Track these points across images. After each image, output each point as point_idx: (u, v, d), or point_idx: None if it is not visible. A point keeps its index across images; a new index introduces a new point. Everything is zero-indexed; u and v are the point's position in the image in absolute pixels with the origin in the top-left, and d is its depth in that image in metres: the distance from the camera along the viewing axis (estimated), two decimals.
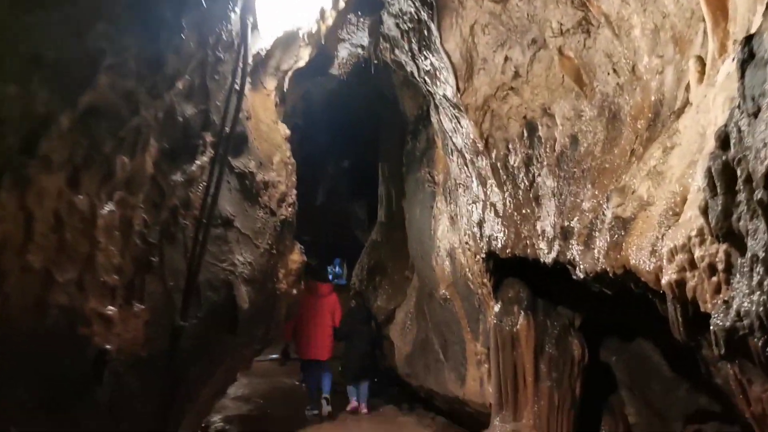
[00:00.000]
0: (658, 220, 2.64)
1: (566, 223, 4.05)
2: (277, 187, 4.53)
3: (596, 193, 3.70)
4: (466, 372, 6.67)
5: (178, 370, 3.59)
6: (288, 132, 4.78)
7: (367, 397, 8.54)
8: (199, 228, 3.41)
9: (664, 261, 2.43)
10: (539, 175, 4.58)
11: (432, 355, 7.70)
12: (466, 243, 5.96)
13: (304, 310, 7.56)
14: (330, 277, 31.71)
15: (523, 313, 5.60)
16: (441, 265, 6.82)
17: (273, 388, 10.81)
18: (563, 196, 4.27)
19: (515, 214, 4.90)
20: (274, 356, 11.74)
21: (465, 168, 5.66)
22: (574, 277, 4.12)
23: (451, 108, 5.21)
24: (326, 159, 13.47)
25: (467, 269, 6.15)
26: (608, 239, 3.14)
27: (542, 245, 4.59)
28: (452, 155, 5.94)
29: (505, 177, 4.95)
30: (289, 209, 4.79)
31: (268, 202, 4.32)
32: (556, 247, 4.33)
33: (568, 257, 3.95)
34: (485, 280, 5.80)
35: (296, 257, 5.14)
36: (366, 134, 12.98)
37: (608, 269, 3.13)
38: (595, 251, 3.35)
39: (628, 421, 5.84)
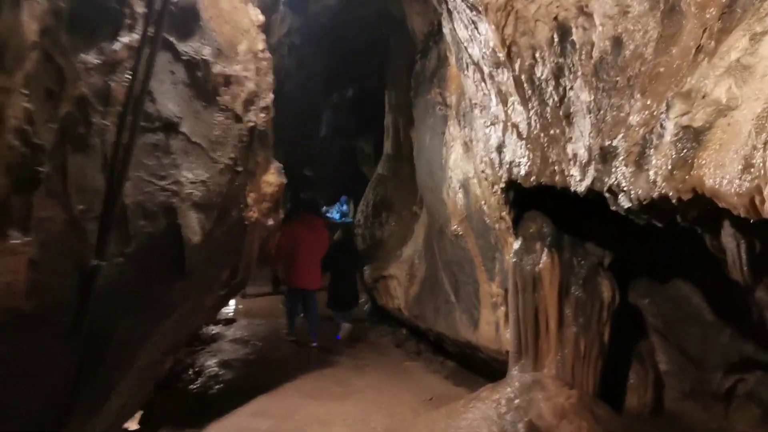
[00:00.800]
0: (751, 126, 1.99)
1: (607, 143, 3.40)
2: (244, 84, 3.70)
3: (648, 103, 3.04)
4: (480, 315, 6.15)
5: (96, 329, 2.70)
6: (261, 18, 3.95)
7: (350, 321, 9.39)
8: (124, 131, 2.57)
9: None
10: (571, 88, 3.90)
11: (442, 296, 7.18)
12: (483, 172, 5.33)
13: (295, 241, 8.38)
14: (338, 215, 31.74)
15: (546, 250, 5.03)
16: (453, 198, 6.20)
17: (273, 329, 10.41)
18: (602, 112, 3.61)
19: (541, 135, 4.25)
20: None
21: (482, 84, 4.97)
22: (614, 207, 3.51)
23: (467, 10, 4.48)
24: (329, 88, 12.70)
25: (483, 202, 5.54)
26: (671, 157, 2.50)
27: (574, 171, 3.96)
28: (467, 70, 5.24)
29: (530, 92, 4.27)
30: (262, 115, 4.03)
31: (230, 103, 3.50)
32: (591, 173, 3.71)
33: (610, 183, 3.33)
34: (504, 214, 5.20)
35: (272, 178, 4.42)
36: (372, 60, 12.17)
37: (671, 194, 2.50)
38: (651, 173, 2.72)
39: (658, 368, 5.34)
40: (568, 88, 3.94)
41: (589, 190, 3.79)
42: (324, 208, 25.43)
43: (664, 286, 5.20)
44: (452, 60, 5.90)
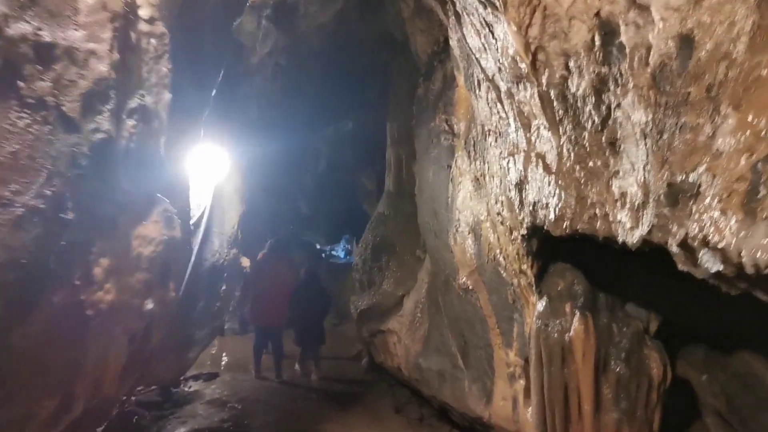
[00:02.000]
0: None
1: (678, 178, 2.47)
2: (87, 65, 2.38)
3: (750, 119, 2.11)
4: (494, 387, 5.16)
5: None
6: None
7: (319, 363, 9.85)
8: None
9: None
10: (618, 105, 2.99)
11: (448, 360, 6.19)
12: (498, 214, 4.40)
13: (260, 280, 9.48)
14: (343, 253, 30.96)
15: (578, 313, 4.07)
16: (461, 244, 5.26)
17: (258, 387, 9.40)
18: (665, 136, 2.69)
19: (576, 168, 3.33)
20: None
21: (498, 106, 4.07)
22: (685, 268, 2.57)
23: (480, 9, 3.60)
24: (326, 119, 11.88)
25: (498, 251, 4.60)
26: None
27: (622, 216, 3.04)
28: (479, 89, 4.35)
29: (561, 112, 3.36)
30: (131, 123, 2.71)
31: (50, 94, 2.19)
32: (649, 218, 2.79)
33: (684, 234, 2.39)
34: (524, 267, 4.25)
35: (153, 231, 3.08)
36: (371, 88, 11.36)
37: None
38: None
39: None
40: (613, 105, 3.04)
41: (645, 241, 2.86)
42: (328, 246, 24.73)
43: (728, 359, 4.22)
44: (460, 79, 5.02)
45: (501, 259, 4.58)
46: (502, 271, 4.63)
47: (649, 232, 2.80)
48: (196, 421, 7.52)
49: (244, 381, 9.78)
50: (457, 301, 5.76)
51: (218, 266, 7.80)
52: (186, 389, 9.44)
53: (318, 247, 22.09)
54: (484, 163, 4.63)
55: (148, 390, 8.57)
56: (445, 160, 5.62)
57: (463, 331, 5.74)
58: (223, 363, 11.48)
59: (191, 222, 6.32)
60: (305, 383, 9.62)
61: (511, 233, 4.23)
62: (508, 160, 4.06)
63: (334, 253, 30.40)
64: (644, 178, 2.85)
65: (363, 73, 10.52)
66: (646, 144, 2.84)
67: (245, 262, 9.32)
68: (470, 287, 5.28)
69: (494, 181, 4.39)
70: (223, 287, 8.16)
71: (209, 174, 7.21)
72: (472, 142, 4.89)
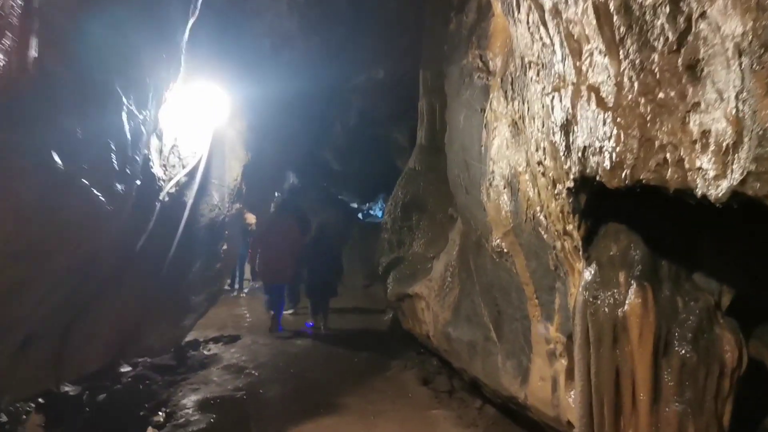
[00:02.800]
0: None
1: None
2: None
3: None
4: (531, 365, 4.55)
5: None
6: None
7: (327, 315, 10.48)
8: None
9: None
10: (703, 14, 2.27)
11: (480, 331, 5.58)
12: (539, 164, 3.72)
13: (270, 237, 9.91)
14: (381, 213, 30.45)
15: (635, 284, 3.40)
16: (495, 200, 4.60)
17: (278, 351, 8.97)
18: None
19: (641, 102, 2.63)
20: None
21: (541, 30, 3.35)
22: None
23: None
24: (355, 66, 11.14)
25: (538, 208, 3.93)
26: None
27: (703, 161, 2.34)
28: (518, 11, 3.63)
29: (623, 30, 2.65)
30: None
31: None
32: (742, 164, 2.11)
33: None
34: (569, 227, 3.58)
35: None
36: (404, 34, 10.57)
37: None
38: None
39: None
40: (695, 15, 2.32)
41: (735, 194, 2.18)
42: (366, 205, 24.24)
43: None
44: (497, 6, 4.29)
45: (542, 217, 3.91)
46: (542, 232, 3.96)
47: (742, 182, 2.12)
48: (208, 389, 7.11)
49: (264, 345, 9.38)
50: (490, 265, 5.12)
51: (218, 223, 7.16)
52: (204, 352, 9.09)
53: (355, 206, 21.55)
54: (523, 103, 3.92)
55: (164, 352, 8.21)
56: (478, 102, 4.92)
57: (497, 299, 5.11)
58: (245, 324, 11.12)
59: (184, 171, 5.74)
60: (327, 349, 9.27)
61: (554, 186, 3.55)
62: (553, 97, 3.35)
63: (371, 212, 29.93)
64: (737, 110, 2.15)
65: (394, 16, 9.73)
66: (741, 64, 2.13)
67: (250, 218, 8.65)
68: (505, 250, 4.62)
69: (535, 124, 3.69)
70: (224, 246, 7.51)
71: (206, 116, 6.47)
72: (510, 79, 4.18)
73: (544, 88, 3.50)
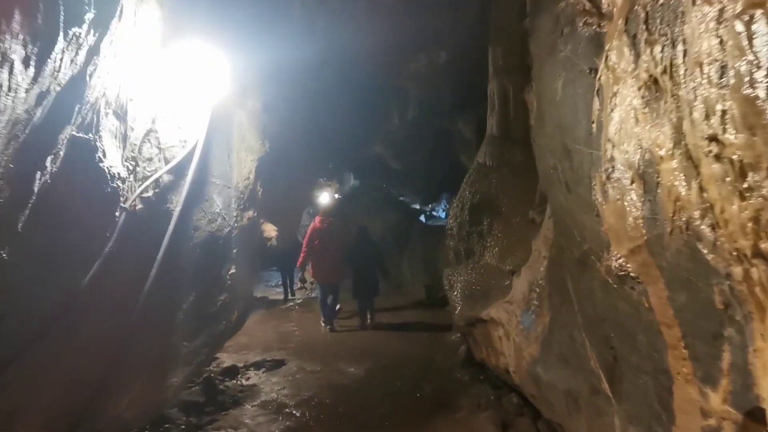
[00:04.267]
0: None
1: None
2: None
3: None
4: None
5: None
6: None
7: (373, 311, 11.20)
8: None
9: None
10: None
11: (583, 378, 4.18)
12: (711, 139, 2.30)
13: (319, 243, 10.70)
14: (444, 214, 29.52)
15: None
16: (617, 201, 3.19)
17: (327, 384, 7.74)
18: None
19: None
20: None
21: None
22: None
23: None
24: (412, 47, 9.82)
25: (698, 212, 2.52)
26: None
27: None
28: None
29: None
30: None
31: None
32: None
33: None
34: (764, 244, 2.15)
35: None
36: (469, 8, 9.20)
37: None
38: None
39: None
40: None
41: None
42: (428, 206, 23.06)
43: None
44: None
45: (705, 228, 2.49)
46: (704, 251, 2.54)
47: None
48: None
49: (311, 373, 8.18)
50: (601, 292, 3.70)
51: (221, 237, 5.40)
52: (243, 381, 7.96)
53: (417, 207, 20.27)
54: (672, 47, 2.51)
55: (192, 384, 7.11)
56: (585, 59, 3.52)
57: (612, 340, 3.70)
58: (293, 343, 9.97)
59: (168, 167, 4.37)
60: (384, 378, 7.96)
61: (743, 176, 2.14)
62: (750, 18, 1.95)
63: (434, 213, 28.55)
64: None
65: None
66: None
67: (269, 229, 6.82)
68: (631, 273, 3.21)
69: (702, 76, 2.28)
70: (232, 270, 5.70)
71: (201, 91, 4.83)
72: (642, 15, 2.77)
73: (723, 11, 2.10)
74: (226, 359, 8.64)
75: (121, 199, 3.86)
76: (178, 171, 4.47)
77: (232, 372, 8.15)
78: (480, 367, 7.60)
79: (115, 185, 3.77)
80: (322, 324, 11.06)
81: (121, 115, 3.74)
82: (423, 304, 13.20)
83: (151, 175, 4.14)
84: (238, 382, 7.87)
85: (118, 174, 3.72)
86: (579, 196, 3.75)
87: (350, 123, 12.33)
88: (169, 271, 4.40)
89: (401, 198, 18.88)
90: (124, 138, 3.71)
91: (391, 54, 10.02)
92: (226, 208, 5.40)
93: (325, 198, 14.86)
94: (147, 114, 4.09)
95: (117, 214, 3.87)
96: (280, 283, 14.80)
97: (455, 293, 7.58)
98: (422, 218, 21.11)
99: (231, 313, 5.96)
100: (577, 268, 4.11)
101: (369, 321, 11.05)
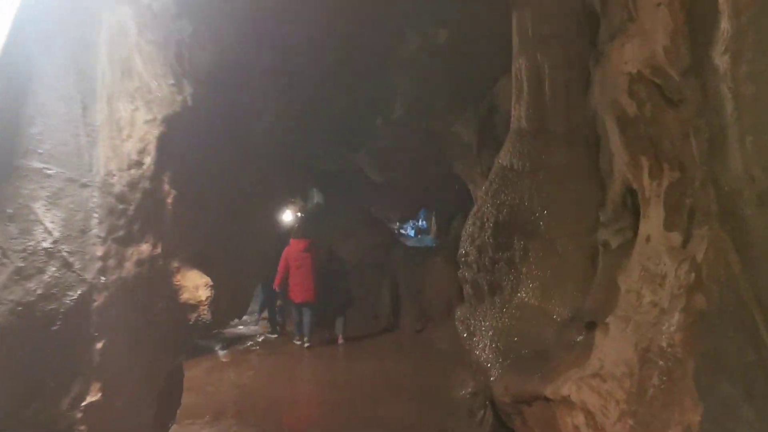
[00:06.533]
0: None
1: None
2: None
3: None
4: None
5: None
6: None
7: (342, 330, 11.76)
8: None
9: None
10: None
11: None
12: None
13: (286, 263, 11.40)
14: (412, 231, 27.71)
15: None
16: None
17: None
18: None
19: None
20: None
21: None
22: None
23: None
24: (404, 28, 7.85)
25: None
26: None
27: None
28: None
29: None
30: None
31: None
32: None
33: None
34: None
35: None
36: None
37: None
38: None
39: None
40: None
41: None
42: (397, 224, 21.22)
43: None
44: None
45: None
46: None
47: None
48: None
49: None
50: None
51: (57, 316, 2.56)
52: None
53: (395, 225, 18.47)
54: None
55: None
56: None
57: None
58: (252, 405, 7.84)
59: None
60: None
61: None
62: None
63: (402, 231, 26.49)
64: None
65: None
66: None
67: (194, 284, 3.67)
68: None
69: None
70: (91, 397, 2.77)
71: None
72: None
73: None
74: None
75: None
76: None
77: None
78: None
79: None
80: (297, 342, 11.46)
81: None
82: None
83: None
84: None
85: None
86: None
87: (321, 127, 10.36)
88: None
89: (376, 216, 16.84)
90: None
91: (373, 35, 8.09)
92: (76, 237, 2.57)
93: (288, 217, 14.08)
94: None
95: None
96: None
97: (482, 345, 5.57)
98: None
99: None
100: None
101: (339, 338, 11.63)
